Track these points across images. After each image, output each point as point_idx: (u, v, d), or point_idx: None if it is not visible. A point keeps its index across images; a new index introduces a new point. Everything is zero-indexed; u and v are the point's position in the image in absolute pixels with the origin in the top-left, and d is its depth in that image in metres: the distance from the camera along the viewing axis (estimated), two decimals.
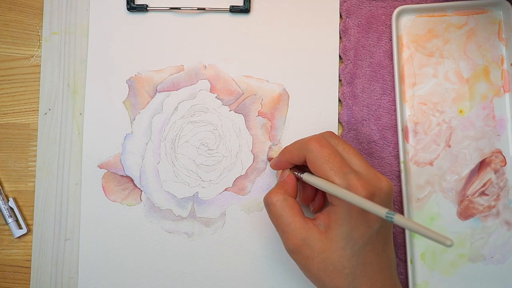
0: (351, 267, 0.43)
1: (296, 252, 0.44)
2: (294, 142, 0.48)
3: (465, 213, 0.52)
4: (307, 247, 0.44)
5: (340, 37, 0.54)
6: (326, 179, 0.43)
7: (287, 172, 0.49)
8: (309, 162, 0.45)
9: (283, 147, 0.53)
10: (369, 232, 0.43)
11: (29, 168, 0.54)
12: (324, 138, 0.45)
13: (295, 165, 0.48)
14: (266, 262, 0.53)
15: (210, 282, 0.53)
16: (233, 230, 0.53)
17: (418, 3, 0.54)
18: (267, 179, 0.53)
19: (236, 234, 0.53)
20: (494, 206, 0.52)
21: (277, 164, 0.49)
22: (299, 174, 0.47)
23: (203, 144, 0.53)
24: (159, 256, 0.53)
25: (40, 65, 0.54)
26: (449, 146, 0.53)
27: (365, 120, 0.53)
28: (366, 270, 0.43)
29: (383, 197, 0.43)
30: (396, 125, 0.53)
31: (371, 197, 0.42)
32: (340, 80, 0.54)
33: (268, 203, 0.46)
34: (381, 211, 0.38)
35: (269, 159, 0.53)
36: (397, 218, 0.36)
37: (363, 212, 0.42)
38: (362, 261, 0.43)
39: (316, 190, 0.50)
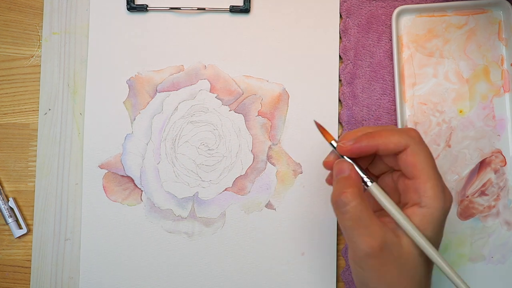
0: (421, 276, 0.39)
1: (373, 256, 0.38)
2: (383, 127, 0.42)
3: (465, 213, 0.52)
4: (385, 252, 0.38)
5: (340, 37, 0.54)
6: (422, 177, 0.39)
7: (347, 164, 0.41)
8: (410, 153, 0.39)
9: (283, 147, 0.53)
10: (440, 240, 0.41)
11: (29, 168, 0.54)
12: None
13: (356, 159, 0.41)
14: (266, 262, 0.53)
15: (210, 281, 0.53)
16: (233, 230, 0.53)
17: (418, 3, 0.54)
18: (267, 179, 0.53)
19: (236, 234, 0.53)
20: (494, 206, 0.52)
21: (356, 146, 0.40)
22: (367, 179, 0.40)
23: (203, 144, 0.53)
24: (159, 256, 0.53)
25: (40, 65, 0.54)
26: (449, 146, 0.53)
27: (365, 120, 0.53)
28: (430, 280, 0.41)
29: (446, 214, 0.40)
30: (396, 125, 0.53)
31: (447, 209, 0.39)
32: (340, 80, 0.54)
33: (343, 204, 0.39)
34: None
35: (325, 163, 0.43)
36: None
37: (445, 219, 0.40)
38: (430, 269, 0.40)
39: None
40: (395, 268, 0.38)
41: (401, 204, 0.41)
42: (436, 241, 0.39)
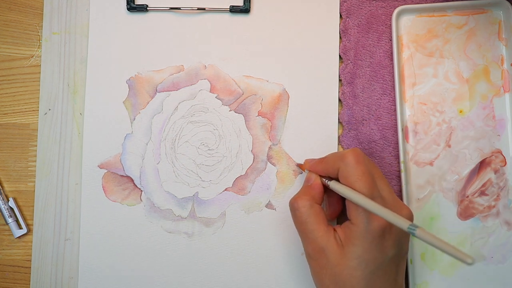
0: None
1: (314, 258, 0.45)
2: (331, 154, 0.48)
3: (465, 213, 0.52)
4: (324, 257, 0.44)
5: (340, 37, 0.54)
6: (348, 202, 0.44)
7: (314, 176, 0.48)
8: (341, 175, 0.45)
9: (283, 147, 0.53)
10: (382, 258, 0.43)
11: (29, 168, 0.54)
12: (361, 154, 0.45)
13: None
14: (266, 262, 0.53)
15: (210, 282, 0.53)
16: (233, 230, 0.53)
17: (418, 3, 0.54)
18: (267, 179, 0.53)
19: (236, 234, 0.53)
20: (494, 206, 0.52)
21: (310, 167, 0.49)
22: (326, 181, 0.47)
23: (203, 144, 0.53)
24: (159, 256, 0.53)
25: (40, 65, 0.54)
26: (449, 146, 0.53)
27: (365, 120, 0.53)
28: None
29: (402, 231, 0.44)
30: (396, 125, 0.53)
31: (390, 225, 0.43)
32: (340, 80, 0.54)
33: (294, 208, 0.46)
34: (404, 223, 0.38)
35: (298, 165, 0.53)
36: (420, 232, 0.37)
37: (379, 237, 0.43)
38: (371, 285, 0.43)
39: (341, 202, 0.50)
40: (332, 275, 0.44)
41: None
42: (373, 256, 0.43)
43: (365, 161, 0.45)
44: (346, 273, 0.43)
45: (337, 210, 0.50)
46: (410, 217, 0.44)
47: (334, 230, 0.45)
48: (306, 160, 0.51)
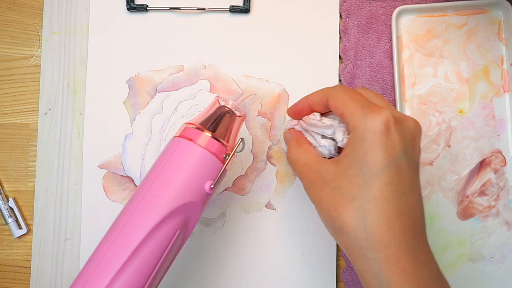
0: (361, 198, 0.37)
1: (310, 186, 0.41)
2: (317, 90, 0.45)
3: (465, 213, 0.52)
4: (319, 179, 0.40)
5: (340, 37, 0.54)
6: (346, 109, 0.40)
7: (292, 131, 0.47)
8: (330, 97, 0.42)
9: (283, 147, 0.53)
10: (387, 158, 0.37)
11: (29, 168, 0.54)
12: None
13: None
14: (266, 262, 0.53)
15: (210, 281, 0.53)
16: (233, 230, 0.53)
17: (418, 3, 0.54)
18: (267, 179, 0.53)
19: (236, 234, 0.53)
20: (494, 206, 0.52)
21: (295, 109, 0.47)
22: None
23: None
24: None
25: (40, 65, 0.54)
26: (449, 146, 0.53)
27: None
28: (380, 208, 0.37)
29: (407, 129, 0.39)
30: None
31: (393, 121, 0.38)
32: (340, 80, 0.54)
33: (287, 158, 0.45)
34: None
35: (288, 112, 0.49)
36: None
37: (382, 134, 0.37)
38: (375, 195, 0.37)
39: None
40: (330, 192, 0.39)
41: None
42: (378, 159, 0.38)
43: (355, 90, 0.43)
44: (345, 182, 0.39)
45: None
46: (416, 127, 0.40)
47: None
48: (288, 109, 0.48)
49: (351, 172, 0.38)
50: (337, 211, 0.38)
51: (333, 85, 0.53)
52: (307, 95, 0.45)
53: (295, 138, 0.46)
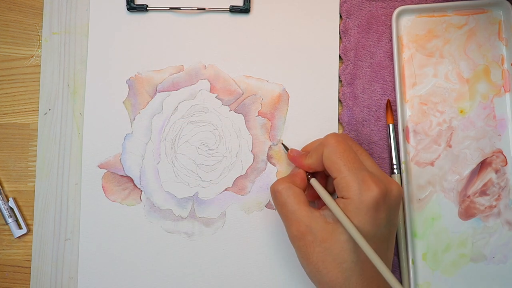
0: (350, 262, 0.43)
1: (299, 238, 0.44)
2: (310, 144, 0.50)
3: (466, 213, 0.52)
4: (310, 234, 0.44)
5: (340, 38, 0.54)
6: (339, 175, 0.44)
7: (298, 169, 0.49)
8: (325, 158, 0.45)
9: (283, 149, 0.53)
10: (374, 230, 0.43)
11: (29, 168, 0.54)
12: (341, 135, 0.46)
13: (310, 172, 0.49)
14: (265, 262, 0.52)
15: (210, 282, 0.52)
16: (233, 230, 0.53)
17: (418, 3, 0.54)
18: (267, 179, 0.53)
19: (236, 234, 0.53)
20: (495, 206, 0.52)
21: (295, 160, 0.50)
22: (308, 175, 0.48)
23: (203, 144, 0.53)
24: (159, 256, 0.52)
25: (40, 65, 0.54)
26: (450, 146, 0.53)
27: (366, 121, 0.53)
28: (364, 269, 0.43)
29: (392, 200, 0.44)
30: (397, 125, 0.52)
31: (382, 196, 0.43)
32: (340, 81, 0.54)
33: (273, 190, 0.47)
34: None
35: (283, 146, 0.53)
36: None
37: (373, 208, 0.42)
38: (362, 259, 0.43)
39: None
40: (320, 251, 0.43)
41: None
42: (366, 229, 0.43)
43: (346, 140, 0.46)
44: (337, 246, 0.43)
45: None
46: (399, 192, 0.45)
47: (320, 210, 0.45)
48: (291, 150, 0.51)
49: (342, 237, 0.43)
50: (327, 269, 0.43)
51: (333, 85, 0.54)
52: (304, 148, 0.51)
53: (292, 178, 0.48)
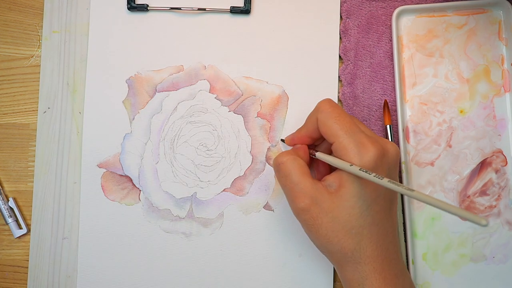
0: (358, 227, 0.43)
1: (305, 211, 0.44)
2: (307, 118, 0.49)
3: None
4: (316, 206, 0.43)
5: (340, 38, 0.54)
6: (336, 139, 0.44)
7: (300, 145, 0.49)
8: (320, 123, 0.45)
9: (282, 148, 0.53)
10: (377, 191, 0.43)
11: (28, 168, 0.54)
12: (334, 102, 0.46)
13: (309, 144, 0.49)
14: (263, 263, 0.52)
15: (208, 282, 0.52)
16: (231, 230, 0.53)
17: (418, 3, 0.54)
18: (265, 180, 0.53)
19: (234, 234, 0.53)
20: (495, 206, 0.52)
21: (293, 138, 0.50)
22: (311, 152, 0.48)
23: (202, 145, 0.53)
24: (157, 256, 0.52)
25: (40, 65, 0.54)
26: (450, 146, 0.52)
27: (366, 121, 0.53)
28: (372, 232, 0.43)
29: (391, 159, 0.44)
30: (397, 125, 0.52)
31: (380, 157, 0.43)
32: (340, 81, 0.54)
33: (277, 162, 0.46)
34: (402, 189, 0.39)
35: (281, 139, 0.54)
36: (416, 194, 0.38)
37: (373, 169, 0.42)
38: (369, 222, 0.43)
39: (328, 166, 0.50)
40: (328, 221, 0.43)
41: None
42: (369, 189, 0.43)
43: (340, 106, 0.46)
44: (344, 214, 0.43)
45: (325, 174, 0.49)
46: (396, 151, 0.45)
47: (322, 181, 0.45)
48: (286, 137, 0.51)
49: (348, 204, 0.43)
50: (338, 237, 0.43)
51: (333, 85, 0.54)
52: (301, 127, 0.49)
53: (295, 151, 0.47)
